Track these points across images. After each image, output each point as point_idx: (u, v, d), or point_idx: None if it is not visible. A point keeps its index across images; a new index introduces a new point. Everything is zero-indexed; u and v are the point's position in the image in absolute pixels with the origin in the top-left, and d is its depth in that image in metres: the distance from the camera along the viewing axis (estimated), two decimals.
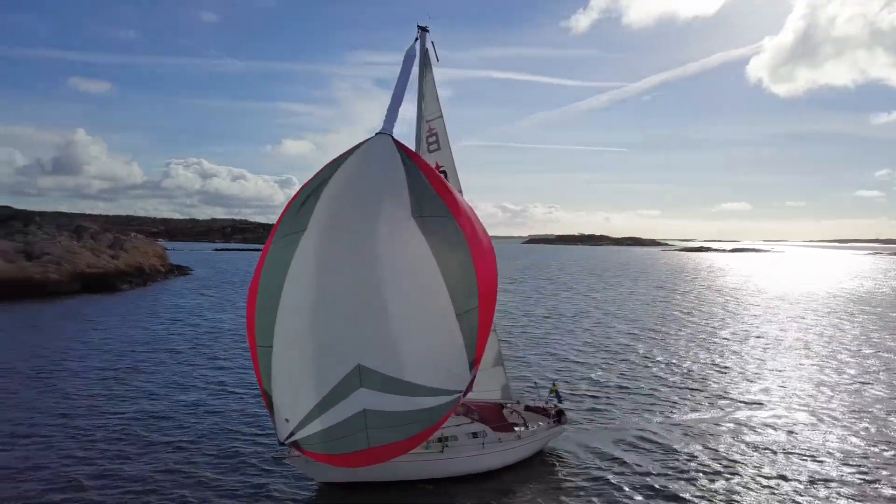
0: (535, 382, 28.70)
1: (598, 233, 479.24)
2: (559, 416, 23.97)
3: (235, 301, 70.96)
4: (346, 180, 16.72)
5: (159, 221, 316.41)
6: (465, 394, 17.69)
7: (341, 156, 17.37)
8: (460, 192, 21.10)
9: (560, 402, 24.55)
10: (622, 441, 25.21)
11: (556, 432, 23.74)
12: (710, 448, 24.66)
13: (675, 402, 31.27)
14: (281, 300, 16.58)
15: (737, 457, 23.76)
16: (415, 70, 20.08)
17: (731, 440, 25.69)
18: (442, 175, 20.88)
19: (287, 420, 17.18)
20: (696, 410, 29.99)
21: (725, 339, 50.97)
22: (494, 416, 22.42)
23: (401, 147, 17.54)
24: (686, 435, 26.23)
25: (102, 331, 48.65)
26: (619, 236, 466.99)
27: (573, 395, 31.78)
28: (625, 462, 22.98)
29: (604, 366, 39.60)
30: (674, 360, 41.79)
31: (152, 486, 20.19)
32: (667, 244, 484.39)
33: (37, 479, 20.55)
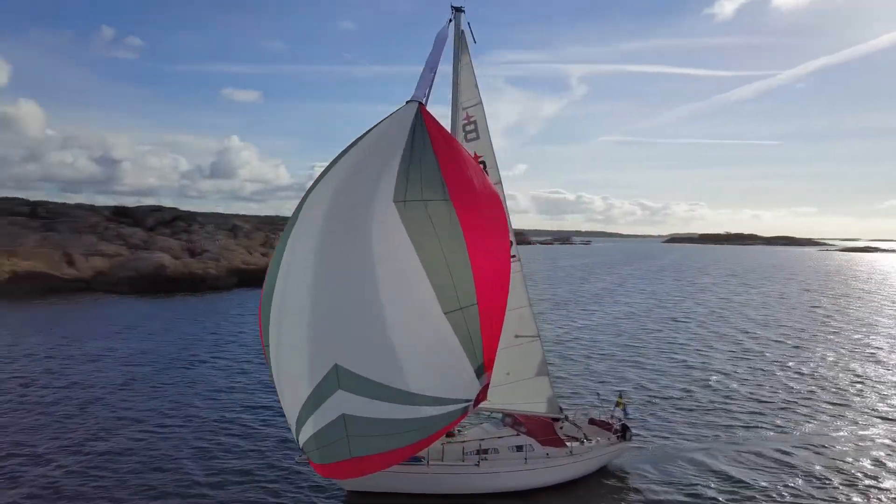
0: (598, 393, 25.39)
1: (746, 231, 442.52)
2: (623, 432, 20.69)
3: None
4: (345, 167, 14.93)
5: None
6: (477, 403, 15.18)
7: (364, 134, 15.63)
8: (498, 182, 18.66)
9: (626, 416, 21.22)
10: (703, 465, 21.39)
11: (616, 450, 20.50)
12: (807, 479, 20.22)
13: (776, 423, 26.44)
14: (273, 297, 15.19)
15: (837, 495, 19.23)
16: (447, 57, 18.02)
17: (831, 472, 20.96)
18: (481, 165, 18.55)
19: (291, 424, 15.77)
20: (798, 433, 25.11)
21: (870, 353, 43.29)
22: (545, 430, 19.65)
23: (424, 118, 15.20)
24: (770, 463, 21.85)
25: (246, 324, 50.30)
26: (770, 235, 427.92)
27: (660, 406, 27.99)
28: (700, 488, 19.33)
29: (708, 376, 34.85)
30: (797, 375, 35.98)
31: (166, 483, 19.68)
32: (825, 244, 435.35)
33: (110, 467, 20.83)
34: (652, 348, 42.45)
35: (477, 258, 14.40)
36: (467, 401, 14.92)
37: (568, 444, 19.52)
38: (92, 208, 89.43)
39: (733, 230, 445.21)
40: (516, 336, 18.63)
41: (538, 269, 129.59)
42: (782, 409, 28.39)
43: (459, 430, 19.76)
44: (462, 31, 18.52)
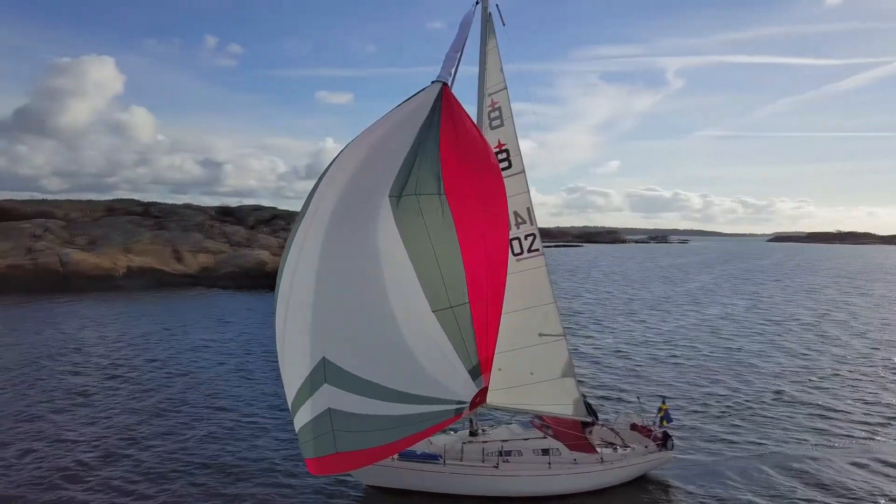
0: (638, 397, 23.11)
1: (860, 230, 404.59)
2: (664, 440, 18.66)
3: None
4: (359, 153, 14.13)
5: None
6: (474, 406, 14.24)
7: (389, 112, 14.73)
8: (521, 172, 17.25)
9: (666, 423, 19.13)
10: (760, 484, 18.94)
11: (654, 459, 18.42)
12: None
13: (856, 442, 23.10)
14: (281, 290, 14.70)
15: None
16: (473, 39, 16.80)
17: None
18: (504, 153, 17.23)
19: (292, 415, 15.21)
20: (879, 453, 21.78)
21: None
22: (575, 434, 17.99)
23: (443, 101, 14.19)
24: (840, 486, 18.97)
25: None
26: (889, 234, 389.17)
27: (725, 414, 25.33)
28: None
29: (790, 385, 31.37)
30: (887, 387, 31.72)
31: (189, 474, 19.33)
32: None
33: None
34: (739, 353, 38.72)
35: (470, 256, 13.48)
36: (461, 402, 14.05)
37: (599, 450, 17.81)
38: (198, 208, 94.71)
39: (845, 228, 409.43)
40: (540, 335, 17.17)
41: (630, 268, 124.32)
42: (872, 426, 24.89)
43: (484, 430, 18.54)
44: (490, 14, 17.25)
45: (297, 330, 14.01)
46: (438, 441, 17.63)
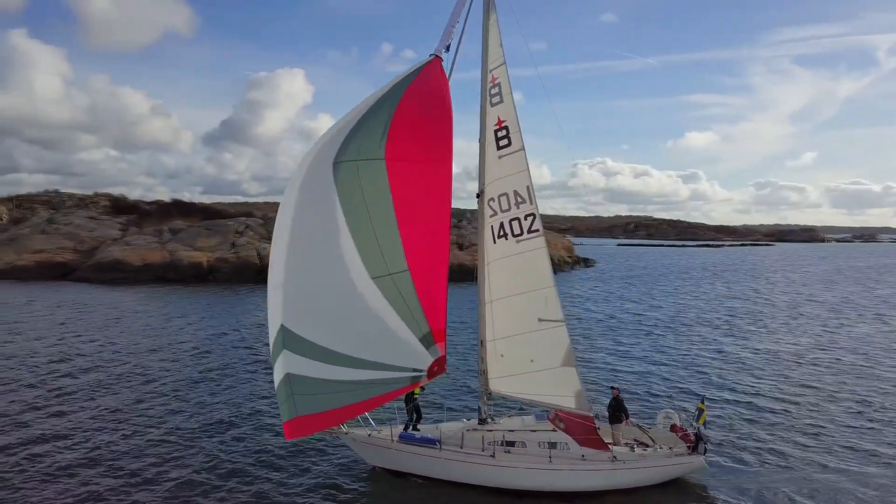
0: (671, 396, 19.07)
1: None
2: (696, 444, 15.42)
3: (624, 294, 62.11)
4: (329, 131, 13.74)
5: (567, 219, 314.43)
6: (432, 375, 13.91)
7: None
8: (521, 149, 15.30)
9: (700, 425, 15.78)
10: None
11: (680, 463, 15.32)
12: None
13: None
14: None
15: None
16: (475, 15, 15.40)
17: None
18: (504, 130, 15.45)
19: None
20: None
21: None
22: (588, 428, 15.55)
23: (422, 72, 13.53)
24: None
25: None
26: None
27: (812, 429, 20.38)
28: None
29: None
30: None
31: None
32: None
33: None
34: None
35: (406, 222, 12.91)
36: (416, 370, 13.77)
37: (612, 448, 15.25)
38: None
39: None
40: (540, 320, 15.10)
41: (822, 269, 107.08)
42: None
43: (493, 419, 16.83)
44: None
45: (270, 304, 13.93)
46: (445, 426, 16.47)
